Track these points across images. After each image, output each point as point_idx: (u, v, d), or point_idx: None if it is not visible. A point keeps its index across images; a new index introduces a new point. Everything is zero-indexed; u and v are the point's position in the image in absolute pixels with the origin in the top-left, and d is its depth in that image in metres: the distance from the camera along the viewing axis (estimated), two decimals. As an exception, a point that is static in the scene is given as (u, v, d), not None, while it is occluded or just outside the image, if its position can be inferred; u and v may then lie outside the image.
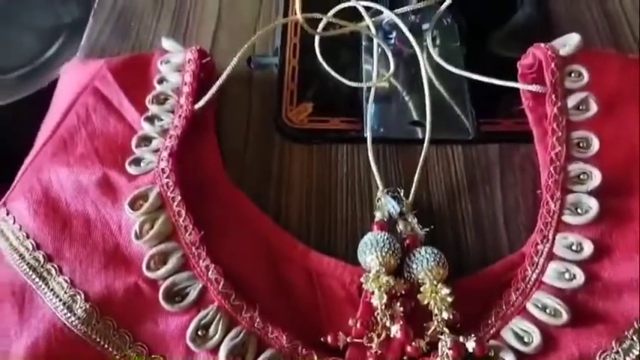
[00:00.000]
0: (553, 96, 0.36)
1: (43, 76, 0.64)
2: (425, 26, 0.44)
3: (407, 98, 0.42)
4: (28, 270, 0.33)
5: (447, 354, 0.30)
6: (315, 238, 0.36)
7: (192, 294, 0.31)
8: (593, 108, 0.36)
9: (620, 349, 0.30)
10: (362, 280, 0.32)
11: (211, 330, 0.30)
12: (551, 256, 0.33)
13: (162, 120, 0.38)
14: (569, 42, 0.38)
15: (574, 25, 0.46)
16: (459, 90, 0.41)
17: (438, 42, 0.44)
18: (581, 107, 0.36)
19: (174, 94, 0.39)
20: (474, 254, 0.36)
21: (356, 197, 0.38)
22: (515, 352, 0.30)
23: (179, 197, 0.34)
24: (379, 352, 0.30)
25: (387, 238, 0.33)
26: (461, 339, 0.30)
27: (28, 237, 0.34)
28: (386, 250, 0.33)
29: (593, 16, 0.47)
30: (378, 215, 0.36)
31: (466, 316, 0.32)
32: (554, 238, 0.34)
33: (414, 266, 0.33)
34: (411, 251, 0.34)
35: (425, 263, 0.32)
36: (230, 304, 0.31)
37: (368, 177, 0.39)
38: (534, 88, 0.37)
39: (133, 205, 0.34)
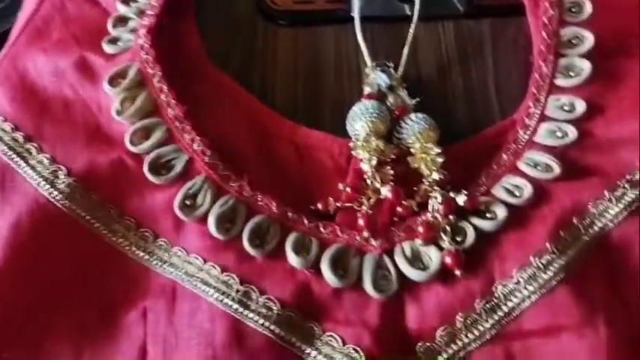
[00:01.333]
0: (544, -39, 0.35)
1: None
2: None
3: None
4: (7, 150, 0.32)
5: (437, 209, 0.29)
6: (303, 116, 0.35)
7: (178, 166, 0.31)
8: (586, -29, 0.35)
9: (611, 196, 0.29)
10: (351, 145, 0.31)
11: (199, 199, 0.30)
12: (543, 118, 0.32)
13: (137, 1, 0.36)
14: None
15: None
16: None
17: None
18: (573, -30, 0.35)
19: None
20: (465, 123, 0.35)
21: (344, 76, 0.37)
22: (507, 205, 0.30)
23: (160, 73, 0.33)
24: (369, 212, 0.30)
25: (376, 104, 0.32)
26: (451, 194, 0.30)
27: (5, 120, 0.33)
28: (375, 115, 0.32)
29: None
30: (367, 89, 0.35)
31: (457, 179, 0.31)
32: (546, 100, 0.33)
33: (404, 131, 0.32)
34: (400, 119, 0.33)
35: (415, 127, 0.32)
36: (217, 174, 0.31)
37: (356, 56, 0.37)
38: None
39: (112, 82, 0.33)
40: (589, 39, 0.34)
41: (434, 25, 0.38)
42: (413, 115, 0.32)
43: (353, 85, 0.36)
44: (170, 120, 0.32)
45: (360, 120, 0.32)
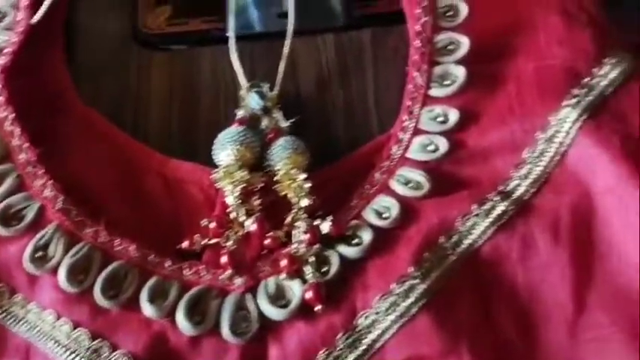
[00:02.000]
0: (413, -37, 0.33)
1: None
2: None
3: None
4: None
5: (301, 239, 0.28)
6: (177, 146, 0.34)
7: (29, 215, 0.29)
8: (458, -28, 0.34)
9: (479, 211, 0.28)
10: (214, 177, 0.30)
11: (50, 249, 0.28)
12: (416, 131, 0.31)
13: (-2, 40, 0.34)
14: None
15: None
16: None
17: None
18: (446, -28, 0.34)
19: (11, 9, 0.35)
20: (344, 140, 0.34)
21: (221, 100, 0.35)
22: (374, 228, 0.28)
23: (12, 115, 0.31)
24: (233, 248, 0.28)
25: (242, 131, 0.31)
26: (316, 222, 0.28)
27: None
28: (240, 142, 0.30)
29: None
30: (240, 113, 0.33)
31: (332, 202, 0.30)
32: (419, 113, 0.32)
33: (272, 157, 0.31)
34: (271, 143, 0.32)
35: (281, 152, 0.30)
36: (71, 220, 0.29)
37: (233, 77, 0.35)
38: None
39: (-39, 128, 0.31)
40: (464, 44, 0.32)
41: (313, 38, 0.37)
42: (281, 139, 0.31)
43: (230, 109, 0.34)
44: (21, 165, 0.30)
45: (225, 148, 0.30)
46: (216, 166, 0.31)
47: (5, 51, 0.33)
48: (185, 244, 0.29)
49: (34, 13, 0.35)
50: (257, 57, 0.37)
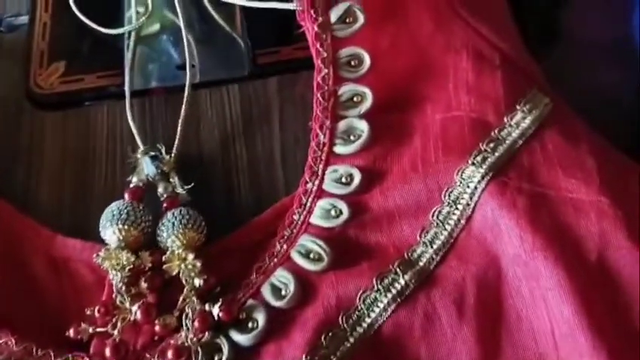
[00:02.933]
0: (312, 11, 0.31)
1: None
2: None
3: (173, 40, 0.36)
4: None
5: (189, 327, 0.26)
6: (69, 218, 0.31)
7: None
8: (360, 19, 0.32)
9: (380, 287, 0.26)
10: (96, 259, 0.27)
11: None
12: (320, 194, 0.29)
13: None
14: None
15: None
16: (231, 20, 0.36)
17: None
18: (347, 20, 0.32)
19: None
20: (247, 203, 0.31)
21: (117, 164, 0.33)
22: (270, 308, 0.26)
23: None
24: (118, 338, 0.26)
25: (127, 207, 0.29)
26: (206, 307, 0.26)
27: None
28: (124, 220, 0.28)
29: None
30: (134, 180, 0.31)
31: (232, 277, 0.28)
32: (323, 173, 0.30)
33: (162, 233, 0.29)
34: (165, 214, 0.29)
35: (171, 228, 0.28)
36: None
37: (132, 138, 0.33)
38: (288, 5, 0.32)
39: None
40: (368, 96, 0.31)
41: (217, 90, 0.35)
42: (170, 214, 0.29)
43: (126, 175, 0.32)
44: None
45: (110, 226, 0.28)
46: (109, 242, 0.29)
47: None
48: (71, 332, 0.27)
49: None
50: (157, 113, 0.34)
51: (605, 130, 0.32)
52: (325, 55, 0.31)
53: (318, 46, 0.31)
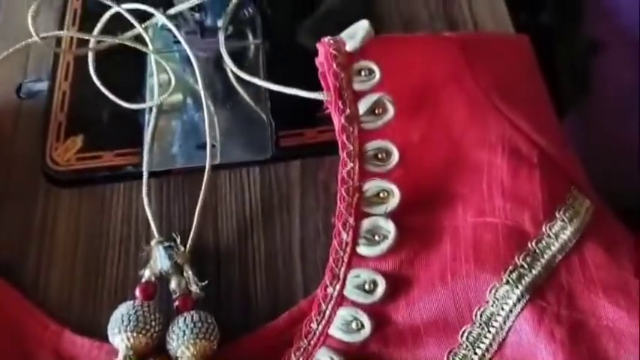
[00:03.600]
0: (339, 102, 0.30)
1: None
2: (219, 22, 0.37)
3: (193, 119, 0.35)
4: None
5: None
6: (79, 309, 0.30)
7: None
8: (390, 111, 0.30)
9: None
10: (102, 369, 0.26)
11: None
12: (341, 301, 0.28)
13: None
14: (357, 32, 0.31)
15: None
16: (257, 100, 0.35)
17: (233, 40, 0.37)
18: (377, 111, 0.30)
19: None
20: (264, 301, 0.30)
21: (130, 250, 0.32)
22: None
23: None
24: None
25: (137, 311, 0.27)
26: None
27: None
28: (133, 327, 0.27)
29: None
30: (146, 274, 0.29)
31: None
32: (345, 277, 0.28)
33: (172, 341, 0.27)
34: (175, 320, 0.28)
35: (182, 337, 0.27)
36: None
37: (147, 221, 0.32)
38: (316, 95, 0.31)
39: None
40: (395, 194, 0.29)
41: (237, 171, 0.34)
42: (182, 319, 0.27)
43: (139, 263, 0.31)
44: None
45: (118, 333, 0.27)
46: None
47: None
48: None
49: None
50: (174, 196, 0.33)
51: (630, 178, 0.30)
52: (351, 148, 0.29)
53: (344, 138, 0.30)
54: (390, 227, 0.28)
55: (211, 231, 0.32)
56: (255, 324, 0.29)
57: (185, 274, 0.30)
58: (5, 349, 0.28)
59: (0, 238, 0.32)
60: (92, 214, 0.33)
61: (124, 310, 0.28)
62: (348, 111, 0.30)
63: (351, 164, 0.29)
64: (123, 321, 0.27)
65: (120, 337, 0.27)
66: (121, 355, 0.26)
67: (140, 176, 0.33)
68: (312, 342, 0.27)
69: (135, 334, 0.27)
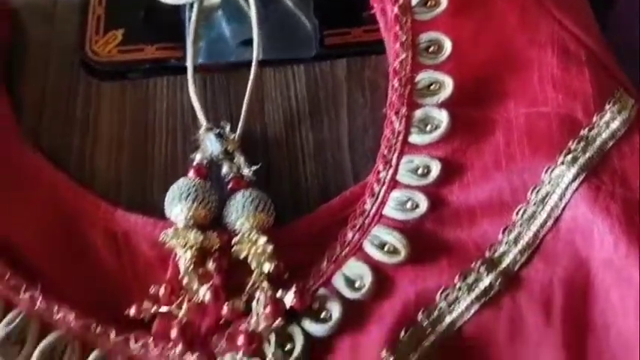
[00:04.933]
0: (393, -8, 0.30)
1: None
2: None
3: (238, 14, 0.35)
4: None
5: (261, 313, 0.25)
6: (128, 192, 0.30)
7: (-44, 279, 0.25)
8: (443, 3, 0.30)
9: (462, 285, 0.25)
10: (164, 237, 0.26)
11: (-20, 317, 0.25)
12: (394, 184, 0.28)
13: None
14: None
15: None
16: (300, -3, 0.35)
17: None
18: (428, 3, 0.30)
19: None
20: (314, 190, 0.30)
21: (178, 139, 0.32)
22: (344, 300, 0.25)
23: None
24: (185, 320, 0.25)
25: (195, 185, 0.27)
26: (278, 293, 0.25)
27: None
28: (193, 198, 0.27)
29: None
30: (197, 158, 0.29)
31: (300, 263, 0.27)
32: (398, 163, 0.28)
33: (230, 214, 0.27)
34: (230, 196, 0.28)
35: (241, 210, 0.27)
36: (5, 284, 0.25)
37: (192, 113, 0.32)
38: (370, -15, 0.31)
39: None
40: (448, 85, 0.29)
41: (283, 69, 0.34)
42: (239, 194, 0.28)
43: (188, 151, 0.31)
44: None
45: (178, 204, 0.27)
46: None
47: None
48: (132, 311, 0.26)
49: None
50: (218, 90, 0.33)
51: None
52: (404, 38, 0.30)
53: (397, 29, 0.30)
54: (442, 117, 0.29)
55: (258, 124, 0.32)
56: (306, 210, 0.29)
57: (236, 160, 0.30)
58: (55, 229, 0.28)
59: (42, 129, 0.32)
60: (136, 106, 0.32)
61: (181, 183, 0.28)
62: (401, 1, 0.30)
63: (404, 55, 0.30)
64: (182, 193, 0.27)
65: (179, 207, 0.27)
66: (180, 225, 0.26)
67: (183, 70, 0.32)
68: (367, 221, 0.27)
69: (194, 205, 0.27)
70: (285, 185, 0.30)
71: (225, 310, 0.25)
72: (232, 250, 0.26)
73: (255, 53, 0.32)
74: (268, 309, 0.25)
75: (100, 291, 0.27)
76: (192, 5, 0.34)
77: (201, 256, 0.26)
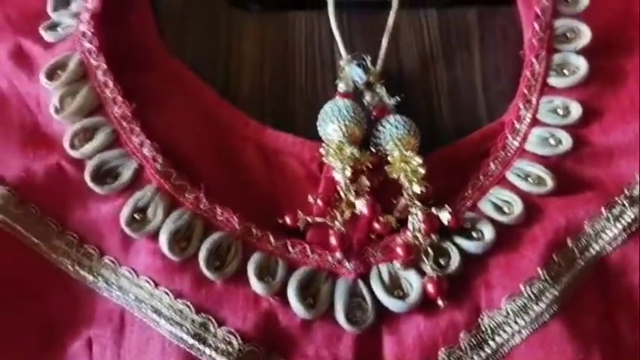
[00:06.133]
0: (537, -59, 0.31)
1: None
2: None
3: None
4: None
5: (418, 227, 0.26)
6: (271, 112, 0.32)
7: (126, 174, 0.27)
8: (580, -45, 0.31)
9: (609, 215, 0.27)
10: (322, 152, 0.28)
11: (149, 212, 0.26)
12: (534, 122, 0.29)
13: (82, -21, 0.32)
14: None
15: None
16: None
17: None
18: (571, -45, 0.32)
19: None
20: (449, 125, 0.32)
21: (317, 67, 0.33)
22: (494, 223, 0.27)
23: (104, 65, 0.29)
24: (343, 230, 0.27)
25: (351, 105, 0.29)
26: (433, 210, 0.27)
27: None
28: (350, 118, 0.28)
29: None
30: (341, 86, 0.31)
31: (441, 190, 0.28)
32: (538, 102, 0.30)
33: (382, 136, 0.29)
34: (378, 121, 0.30)
35: (394, 131, 0.28)
36: (171, 183, 0.27)
37: (330, 45, 0.33)
38: None
39: (51, 75, 0.28)
40: (586, 33, 0.31)
41: (415, 12, 0.35)
42: (392, 118, 0.29)
43: (326, 79, 0.33)
44: (116, 120, 0.28)
45: (332, 122, 0.28)
46: (315, 139, 0.30)
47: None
48: (288, 219, 0.27)
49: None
50: (352, 26, 0.34)
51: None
52: (546, -14, 0.31)
53: (541, -23, 0.31)
54: (580, 62, 0.30)
55: (394, 61, 0.33)
56: (441, 144, 0.31)
57: (377, 90, 0.31)
58: (209, 136, 0.30)
59: (187, 57, 0.33)
60: (276, 36, 0.34)
61: (332, 104, 0.29)
62: (543, -50, 0.31)
63: (545, 2, 0.31)
64: (336, 112, 0.28)
65: (333, 126, 0.28)
66: (335, 142, 0.28)
67: (319, 6, 0.34)
68: (509, 154, 0.29)
69: (348, 123, 0.28)
70: (421, 119, 0.31)
71: (377, 224, 0.27)
72: (385, 169, 0.28)
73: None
74: (424, 224, 0.26)
75: (252, 199, 0.29)
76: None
77: (354, 172, 0.28)
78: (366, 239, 0.27)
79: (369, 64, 0.32)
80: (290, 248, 0.27)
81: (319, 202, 0.27)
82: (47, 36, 0.30)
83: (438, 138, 0.31)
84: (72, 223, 0.27)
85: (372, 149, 0.29)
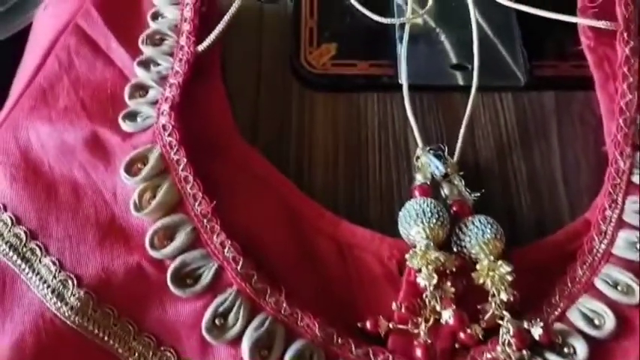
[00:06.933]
0: (625, 34, 0.31)
1: (20, 17, 0.56)
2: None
3: (445, 37, 0.35)
4: (7, 250, 0.27)
5: (509, 342, 0.25)
6: (344, 204, 0.31)
7: (207, 276, 0.26)
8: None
9: None
10: (407, 257, 0.27)
11: (231, 318, 0.26)
12: (621, 224, 0.28)
13: (159, 65, 0.31)
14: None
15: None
16: (507, 26, 0.35)
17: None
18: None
19: (172, 32, 0.33)
20: (529, 221, 0.31)
21: (391, 155, 0.32)
22: (585, 336, 0.26)
23: (185, 159, 0.28)
24: (428, 341, 0.26)
25: (435, 207, 0.28)
26: (525, 325, 0.26)
27: (5, 209, 0.28)
28: (434, 220, 0.28)
29: None
30: (418, 178, 0.30)
31: (523, 293, 0.27)
32: (623, 202, 0.29)
33: (467, 239, 0.28)
34: (460, 221, 0.29)
35: (480, 236, 0.28)
36: (252, 287, 0.26)
37: (404, 131, 0.33)
38: (603, 24, 0.31)
39: (130, 169, 0.28)
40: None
41: (491, 96, 0.34)
42: (477, 219, 0.28)
43: (401, 167, 0.32)
44: (197, 217, 0.27)
45: (417, 225, 0.28)
46: (388, 232, 0.29)
47: (171, 82, 0.31)
48: (368, 324, 0.27)
49: (197, 39, 0.32)
50: (426, 110, 0.34)
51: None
52: (631, 80, 0.30)
53: (625, 69, 0.31)
54: (667, 162, 0.29)
55: (470, 149, 0.33)
56: (523, 241, 0.30)
57: (455, 182, 0.30)
58: (285, 237, 0.29)
59: (259, 141, 0.32)
60: (349, 118, 0.33)
61: (415, 204, 0.28)
62: (632, 43, 0.30)
63: (630, 96, 0.30)
64: (419, 213, 0.28)
65: (417, 228, 0.28)
66: (420, 245, 0.27)
67: (394, 88, 0.33)
68: (597, 258, 0.28)
69: (432, 225, 0.27)
70: (501, 214, 0.30)
71: (462, 335, 0.26)
72: (472, 275, 0.27)
73: (475, 79, 0.32)
74: (515, 339, 0.25)
75: (329, 296, 0.28)
76: (402, 25, 0.35)
77: (439, 277, 0.27)
78: (451, 349, 0.26)
79: (446, 153, 0.31)
80: (372, 357, 0.26)
81: (403, 309, 0.26)
82: (126, 126, 0.30)
83: (518, 236, 0.30)
84: (149, 324, 0.27)
85: (454, 249, 0.28)
